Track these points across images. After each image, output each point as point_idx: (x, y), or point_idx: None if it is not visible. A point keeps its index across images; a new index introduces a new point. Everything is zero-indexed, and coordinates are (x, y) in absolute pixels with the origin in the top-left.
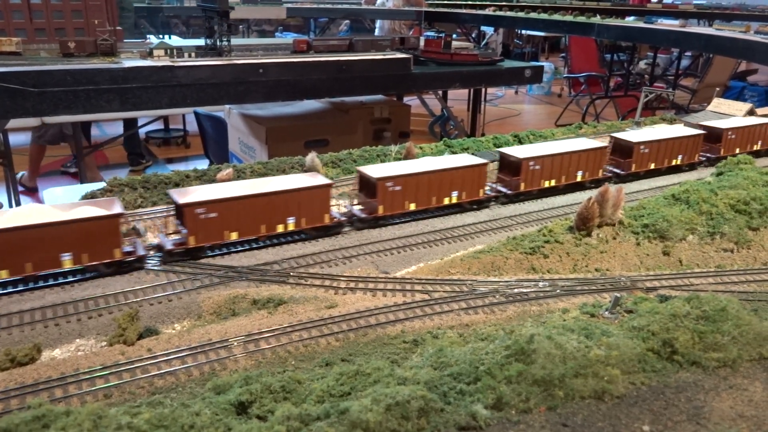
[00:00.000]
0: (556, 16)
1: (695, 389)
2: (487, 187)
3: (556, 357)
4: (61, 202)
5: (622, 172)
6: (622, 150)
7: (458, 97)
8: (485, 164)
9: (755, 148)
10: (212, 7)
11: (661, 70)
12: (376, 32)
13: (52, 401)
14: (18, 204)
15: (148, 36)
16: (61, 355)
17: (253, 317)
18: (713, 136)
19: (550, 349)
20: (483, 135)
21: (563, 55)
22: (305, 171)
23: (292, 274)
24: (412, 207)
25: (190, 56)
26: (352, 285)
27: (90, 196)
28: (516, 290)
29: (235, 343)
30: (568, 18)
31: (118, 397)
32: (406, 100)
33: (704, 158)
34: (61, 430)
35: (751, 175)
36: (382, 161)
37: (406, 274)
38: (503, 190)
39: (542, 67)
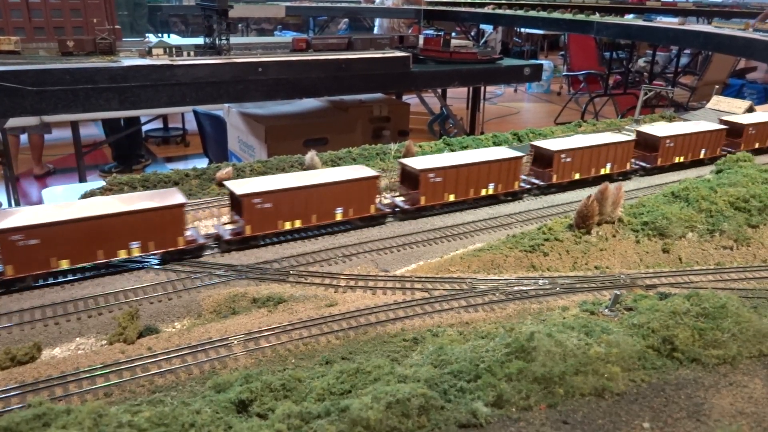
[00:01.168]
0: (556, 14)
1: (695, 386)
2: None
3: (556, 354)
4: (61, 201)
5: (649, 165)
6: (647, 144)
7: (457, 96)
8: (521, 157)
9: None
10: (211, 6)
11: (660, 67)
12: (375, 30)
13: (53, 400)
14: (18, 203)
15: (147, 35)
16: (61, 354)
17: (253, 316)
18: (734, 131)
19: (550, 347)
20: (482, 133)
21: (562, 53)
22: (305, 169)
23: (292, 272)
24: (452, 198)
25: (189, 55)
26: (352, 283)
27: (89, 195)
28: (516, 288)
29: (236, 342)
30: (568, 16)
31: (118, 395)
32: (406, 98)
33: (725, 152)
34: (61, 429)
35: (751, 173)
36: (382, 160)
37: (406, 273)
38: (536, 181)
39: (541, 65)
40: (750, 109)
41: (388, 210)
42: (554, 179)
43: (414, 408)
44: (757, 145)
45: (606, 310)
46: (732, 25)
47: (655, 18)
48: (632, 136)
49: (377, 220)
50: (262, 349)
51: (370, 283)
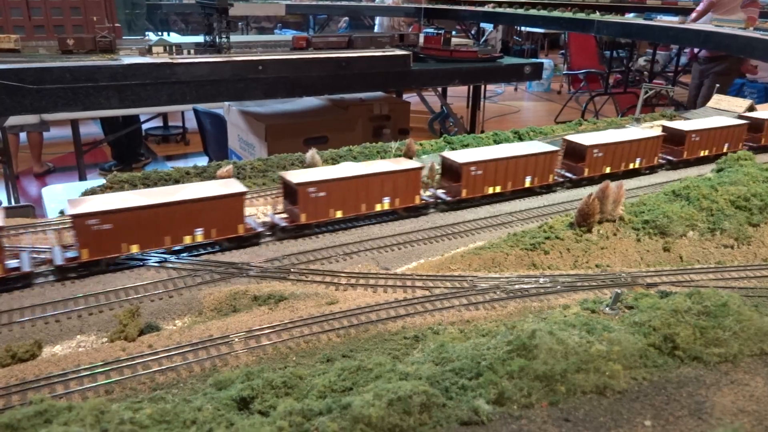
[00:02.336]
0: (556, 13)
1: (696, 384)
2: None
3: (557, 352)
4: (61, 199)
5: (675, 159)
6: (673, 138)
7: (458, 94)
8: (556, 151)
9: None
10: (211, 4)
11: (660, 66)
12: (376, 29)
13: (54, 397)
14: (17, 201)
15: (147, 33)
16: (62, 352)
17: (254, 313)
18: (754, 126)
19: (551, 345)
20: (482, 132)
21: (562, 51)
22: (306, 167)
23: (292, 270)
24: (491, 191)
25: (189, 53)
26: (352, 281)
27: (90, 192)
28: (517, 286)
29: (236, 339)
30: (568, 15)
31: (119, 392)
32: (406, 97)
33: (746, 146)
34: (63, 425)
35: (752, 171)
36: (382, 158)
37: (407, 271)
38: (568, 175)
39: (542, 63)
40: (751, 108)
41: (431, 201)
42: (586, 173)
43: (416, 405)
44: (701, 153)
45: (607, 309)
46: (732, 24)
47: (656, 17)
48: (659, 132)
49: (420, 210)
50: (263, 347)
51: (371, 281)
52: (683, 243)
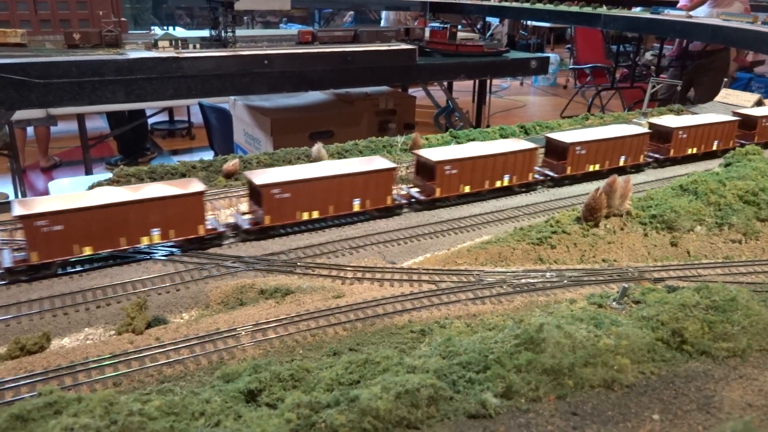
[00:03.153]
0: (562, 7)
1: (705, 379)
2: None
3: (565, 346)
4: (68, 193)
5: (662, 157)
6: (660, 136)
7: (463, 89)
8: (535, 149)
9: None
10: None
11: (667, 61)
12: (381, 23)
13: (62, 389)
14: (24, 195)
15: (152, 27)
16: (70, 344)
17: (261, 307)
18: (747, 123)
19: (559, 338)
20: (488, 126)
21: (569, 46)
22: (312, 161)
23: (299, 264)
24: (467, 189)
25: (194, 47)
26: (359, 275)
27: (97, 186)
28: (523, 280)
29: (243, 332)
30: (574, 8)
31: (127, 385)
32: (411, 91)
33: (738, 144)
34: (73, 416)
35: (760, 166)
36: (389, 152)
37: (413, 265)
38: (550, 173)
39: (548, 58)
40: (759, 103)
41: (404, 201)
42: (568, 171)
43: (423, 398)
44: (690, 151)
45: (614, 303)
46: (740, 19)
47: (663, 11)
48: (645, 129)
49: (393, 211)
50: (269, 340)
51: (378, 275)
52: (691, 238)
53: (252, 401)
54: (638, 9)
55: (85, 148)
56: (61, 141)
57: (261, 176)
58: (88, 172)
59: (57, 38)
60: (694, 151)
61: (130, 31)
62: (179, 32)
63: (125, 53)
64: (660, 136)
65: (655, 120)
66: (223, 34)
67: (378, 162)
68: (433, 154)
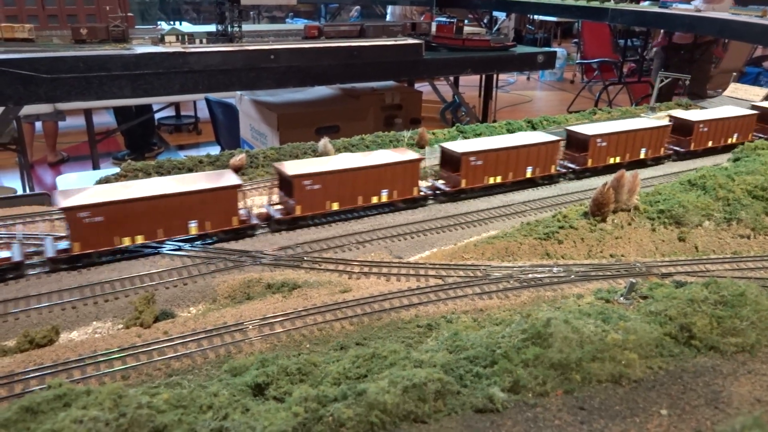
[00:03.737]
0: (569, 1)
1: (713, 374)
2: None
3: (573, 341)
4: (75, 187)
5: (682, 150)
6: (682, 129)
7: (470, 84)
8: (558, 141)
9: None
10: None
11: (652, 52)
12: (387, 18)
13: (71, 382)
14: (32, 190)
15: (159, 22)
16: (78, 337)
17: (268, 301)
18: (765, 117)
19: (567, 333)
20: (495, 121)
21: (576, 40)
22: (318, 156)
23: (306, 258)
24: (491, 181)
25: (201, 42)
26: (365, 270)
27: (104, 181)
28: (530, 275)
29: (250, 327)
30: (581, 2)
31: (135, 378)
32: (418, 86)
33: (757, 137)
34: (82, 409)
35: None
36: (395, 146)
37: (420, 259)
38: (571, 166)
39: (555, 52)
40: None
41: (429, 192)
42: (589, 164)
43: (430, 392)
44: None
45: (621, 298)
46: (749, 12)
47: (671, 5)
48: (665, 122)
49: (419, 202)
50: (276, 334)
51: (384, 270)
52: (699, 233)
53: (259, 395)
54: (646, 3)
55: (93, 143)
56: (68, 136)
57: (292, 167)
58: (96, 167)
59: (64, 33)
60: (711, 144)
61: (136, 26)
62: (186, 27)
63: (132, 48)
64: (681, 129)
65: (676, 113)
66: (229, 29)
67: (404, 154)
68: (459, 145)
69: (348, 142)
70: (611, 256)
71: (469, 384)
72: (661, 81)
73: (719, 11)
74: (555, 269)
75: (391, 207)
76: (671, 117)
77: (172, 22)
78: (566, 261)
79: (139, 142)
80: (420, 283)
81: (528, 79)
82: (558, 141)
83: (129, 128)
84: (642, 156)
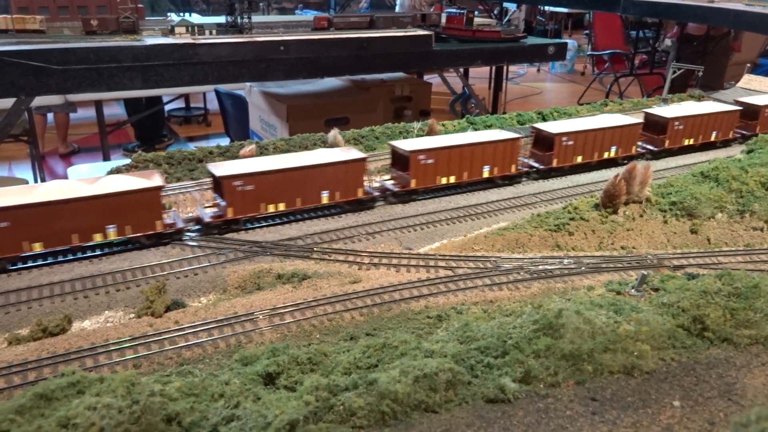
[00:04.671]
0: None
1: (726, 366)
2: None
3: (584, 332)
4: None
5: (655, 149)
6: (655, 126)
7: (479, 75)
8: (518, 139)
9: None
10: None
11: (660, 46)
12: (397, 9)
13: (83, 370)
14: (43, 180)
15: (169, 13)
16: (90, 326)
17: (278, 291)
18: (749, 112)
19: (578, 324)
20: (504, 113)
21: (587, 32)
22: (328, 147)
23: (315, 249)
24: (444, 181)
25: (211, 34)
26: (375, 261)
27: (116, 172)
28: (540, 267)
29: (261, 317)
30: None
31: (147, 367)
32: (427, 78)
33: (739, 134)
34: (96, 396)
35: None
36: (405, 137)
37: (430, 251)
38: (536, 165)
39: (565, 44)
40: None
41: (377, 193)
42: (555, 163)
43: (441, 382)
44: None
45: (632, 290)
46: (763, 3)
47: None
48: (637, 119)
49: (365, 203)
50: (287, 324)
51: (394, 261)
52: (711, 225)
53: (270, 384)
54: None
55: (103, 135)
56: (79, 128)
57: (407, 144)
58: (106, 158)
59: (75, 24)
60: (690, 142)
61: (146, 18)
62: (195, 18)
63: (142, 39)
64: (654, 126)
65: (745, 99)
66: (239, 21)
67: (501, 133)
68: (554, 126)
69: (358, 133)
70: (622, 248)
71: (480, 374)
72: (674, 72)
73: (734, 1)
74: (565, 261)
75: (491, 183)
76: (739, 102)
77: (181, 14)
78: (577, 253)
79: (150, 133)
80: (430, 275)
81: (538, 70)
82: (640, 124)
83: (139, 120)
84: (713, 138)
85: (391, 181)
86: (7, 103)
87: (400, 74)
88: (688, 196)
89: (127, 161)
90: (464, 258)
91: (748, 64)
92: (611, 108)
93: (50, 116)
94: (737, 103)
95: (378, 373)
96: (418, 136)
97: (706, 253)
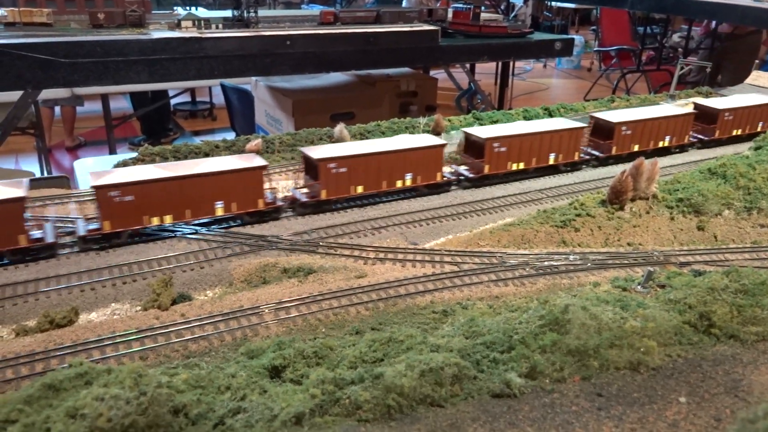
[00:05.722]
0: None
1: (733, 362)
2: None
3: (591, 327)
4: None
5: (602, 155)
6: (602, 131)
7: (485, 71)
8: (582, 128)
9: None
10: None
11: (695, 43)
12: (404, 4)
13: (90, 362)
14: (50, 173)
15: (175, 7)
16: (97, 318)
17: (284, 285)
18: (705, 115)
19: (585, 320)
20: (510, 109)
21: (594, 27)
22: (333, 142)
23: (321, 243)
24: (515, 167)
25: (217, 28)
26: (381, 255)
27: (122, 165)
28: (546, 263)
29: (266, 310)
30: None
31: (153, 359)
32: (433, 73)
33: (694, 138)
34: (103, 387)
35: None
36: (411, 133)
37: (435, 246)
38: (595, 153)
39: (572, 39)
40: None
41: (453, 178)
42: (717, 134)
43: (447, 377)
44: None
45: (638, 287)
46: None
47: None
48: (580, 124)
49: (442, 187)
50: (292, 318)
51: (399, 256)
52: (718, 222)
53: (276, 377)
54: None
55: (109, 128)
56: (86, 121)
57: (482, 132)
58: (112, 151)
59: (82, 18)
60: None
61: (153, 11)
62: (202, 12)
63: (149, 33)
64: (706, 117)
65: (703, 101)
66: (245, 15)
67: (564, 122)
68: (613, 116)
69: (363, 128)
70: (629, 244)
71: (485, 369)
72: (681, 69)
73: None
74: (571, 257)
75: (556, 170)
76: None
77: (188, 8)
78: (583, 249)
79: (155, 127)
80: (435, 270)
81: (544, 66)
82: (582, 128)
83: (145, 114)
84: (759, 128)
85: (465, 167)
86: (15, 96)
87: (405, 69)
88: (695, 192)
89: (134, 155)
90: (470, 253)
91: (757, 61)
92: (618, 104)
93: (57, 109)
94: (694, 105)
95: (384, 367)
96: (425, 131)
97: (712, 250)
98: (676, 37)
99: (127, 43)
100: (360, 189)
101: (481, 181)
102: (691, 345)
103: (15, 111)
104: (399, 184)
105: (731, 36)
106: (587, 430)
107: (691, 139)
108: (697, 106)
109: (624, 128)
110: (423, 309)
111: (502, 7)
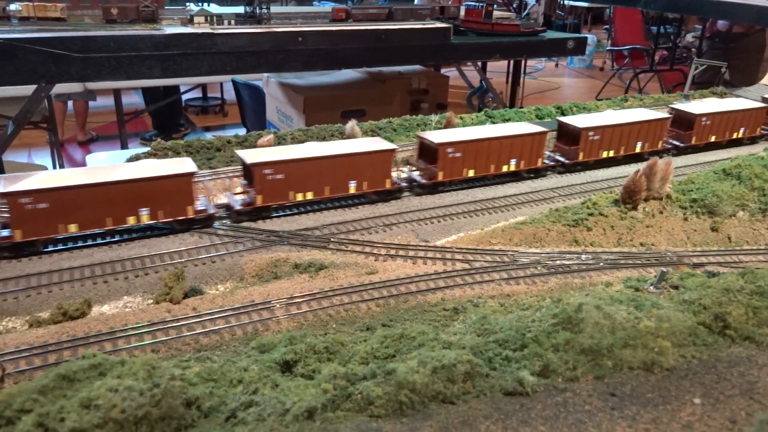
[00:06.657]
0: None
1: (748, 364)
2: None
3: (604, 327)
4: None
5: (682, 144)
6: (681, 121)
7: (497, 69)
8: (545, 132)
9: None
10: None
11: (690, 43)
12: (416, 1)
13: (103, 354)
14: (62, 167)
15: (188, 3)
16: (110, 311)
17: (295, 281)
18: (680, 120)
19: (598, 319)
20: (522, 107)
21: (607, 27)
22: (345, 138)
23: (332, 239)
24: (471, 173)
25: (229, 24)
26: (392, 252)
27: (135, 159)
28: (558, 262)
29: (278, 305)
30: None
31: (165, 352)
32: (444, 71)
33: (669, 144)
34: (117, 378)
35: None
36: (423, 130)
37: (446, 243)
38: (561, 159)
39: (585, 38)
40: None
41: (405, 184)
42: (581, 157)
43: (459, 374)
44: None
45: (651, 287)
46: None
47: None
48: (540, 128)
49: (392, 194)
50: (303, 314)
51: (410, 253)
52: (732, 223)
53: (288, 371)
54: None
55: (121, 123)
56: (98, 116)
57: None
58: (124, 146)
59: (95, 13)
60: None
61: (166, 7)
62: (214, 8)
63: (161, 29)
64: (683, 122)
65: (680, 105)
66: (257, 11)
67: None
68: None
69: (375, 125)
70: (641, 244)
71: (498, 367)
72: (696, 68)
73: None
74: (583, 256)
75: (515, 177)
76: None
77: (200, 3)
78: (595, 248)
79: (167, 122)
80: (446, 267)
81: (556, 65)
82: (545, 132)
83: (157, 109)
84: (639, 150)
85: (418, 173)
86: (28, 90)
87: (417, 67)
88: (709, 193)
89: (146, 149)
90: (481, 251)
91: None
92: (631, 103)
93: (70, 104)
94: (670, 110)
95: (396, 363)
96: (436, 128)
97: (726, 252)
98: (689, 37)
99: (140, 38)
100: (471, 173)
101: (435, 187)
102: (705, 346)
103: (28, 105)
104: (504, 168)
105: (737, 35)
106: (600, 429)
107: (665, 145)
108: (673, 110)
109: (591, 133)
110: (434, 306)
111: (515, 5)
